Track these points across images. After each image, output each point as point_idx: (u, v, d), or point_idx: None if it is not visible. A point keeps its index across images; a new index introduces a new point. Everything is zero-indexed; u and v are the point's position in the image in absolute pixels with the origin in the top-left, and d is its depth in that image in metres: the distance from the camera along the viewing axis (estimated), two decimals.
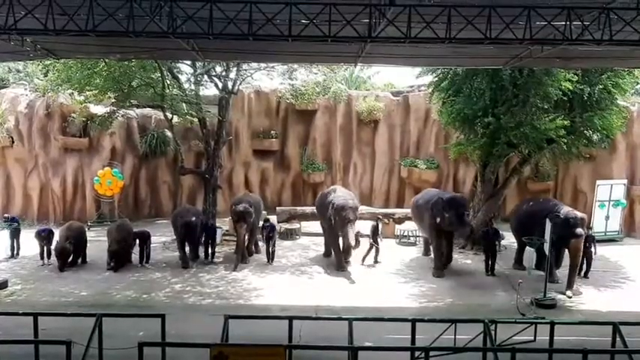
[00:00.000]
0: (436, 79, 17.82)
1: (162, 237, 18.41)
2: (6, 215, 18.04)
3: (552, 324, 9.48)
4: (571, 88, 15.27)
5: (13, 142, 21.25)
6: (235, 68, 18.54)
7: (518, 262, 16.08)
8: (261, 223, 17.12)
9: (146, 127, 22.32)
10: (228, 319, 8.99)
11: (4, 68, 24.47)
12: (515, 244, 16.45)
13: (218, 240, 17.52)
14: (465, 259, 17.07)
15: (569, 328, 10.42)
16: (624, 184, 19.99)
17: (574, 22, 9.49)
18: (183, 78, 19.19)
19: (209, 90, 20.35)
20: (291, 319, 9.59)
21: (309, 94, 20.22)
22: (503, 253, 17.05)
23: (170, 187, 22.86)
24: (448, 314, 11.57)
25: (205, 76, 19.04)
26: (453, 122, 17.52)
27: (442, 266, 15.53)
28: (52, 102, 21.13)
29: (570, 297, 13.68)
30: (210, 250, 16.60)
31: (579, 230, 13.94)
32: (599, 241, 16.94)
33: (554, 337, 9.30)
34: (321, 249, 17.46)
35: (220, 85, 18.83)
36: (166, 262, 16.37)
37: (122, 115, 20.49)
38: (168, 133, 21.04)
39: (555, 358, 8.71)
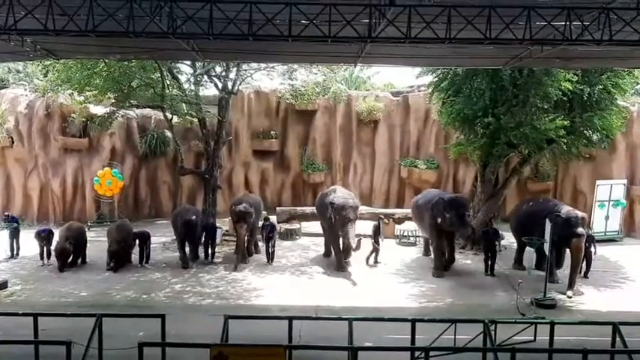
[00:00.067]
0: (436, 79, 17.82)
1: (162, 237, 18.41)
2: (6, 213, 18.02)
3: (552, 324, 9.48)
4: (571, 88, 15.28)
5: (13, 142, 21.26)
6: (235, 68, 18.55)
7: (518, 262, 16.09)
8: (260, 223, 17.12)
9: (146, 128, 22.32)
10: (228, 320, 8.99)
11: (3, 68, 24.47)
12: (515, 244, 16.45)
13: (218, 240, 17.51)
14: (465, 259, 17.07)
15: (569, 328, 10.42)
16: (624, 184, 20.00)
17: (574, 23, 9.50)
18: (183, 78, 19.21)
19: (209, 90, 20.37)
20: (291, 319, 9.58)
21: (309, 94, 20.24)
22: (503, 253, 17.06)
23: (170, 187, 22.86)
24: (448, 314, 11.56)
25: (205, 77, 19.04)
26: (453, 122, 17.52)
27: (442, 266, 15.54)
28: (52, 102, 21.13)
29: (570, 297, 13.68)
30: (210, 251, 16.59)
31: (580, 230, 13.94)
32: (599, 241, 16.95)
33: (554, 337, 9.29)
34: (321, 249, 17.46)
35: (220, 85, 18.84)
36: (166, 262, 16.36)
37: (122, 116, 20.52)
38: (168, 134, 21.05)
39: (555, 358, 8.70)
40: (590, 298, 13.75)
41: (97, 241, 17.03)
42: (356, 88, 26.15)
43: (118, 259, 15.58)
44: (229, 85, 18.79)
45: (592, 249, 15.10)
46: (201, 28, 9.59)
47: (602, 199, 19.60)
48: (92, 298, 13.32)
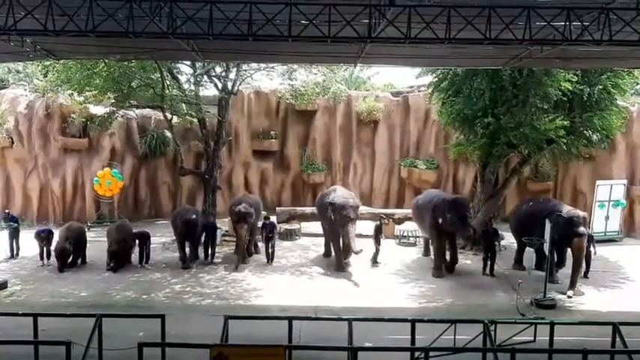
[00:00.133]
0: (436, 79, 17.82)
1: (162, 237, 18.39)
2: (7, 211, 18.02)
3: (552, 324, 9.48)
4: (571, 88, 15.28)
5: (12, 142, 21.26)
6: (235, 69, 18.56)
7: (518, 263, 16.09)
8: (260, 223, 17.11)
9: (146, 128, 22.32)
10: (228, 320, 8.99)
11: (3, 69, 24.46)
12: (515, 245, 16.45)
13: (218, 240, 17.51)
14: (465, 259, 17.05)
15: (569, 328, 10.40)
16: (624, 185, 20.00)
17: (574, 23, 9.50)
18: (182, 78, 19.23)
19: (209, 90, 20.38)
20: (290, 319, 9.59)
21: (308, 94, 20.26)
22: (502, 253, 17.07)
23: (170, 187, 22.86)
24: (448, 314, 11.57)
25: (205, 77, 19.06)
26: (453, 122, 17.52)
27: (442, 267, 15.53)
28: (52, 102, 21.14)
29: (571, 297, 13.68)
30: (210, 251, 16.59)
31: (582, 229, 13.95)
32: (599, 242, 16.96)
33: (554, 338, 9.30)
34: (321, 249, 17.46)
35: (220, 85, 18.85)
36: (166, 262, 16.36)
37: (122, 116, 20.54)
38: (168, 134, 21.04)
39: (555, 359, 8.70)
40: (590, 298, 13.75)
41: (97, 242, 17.03)
42: (356, 89, 26.14)
43: (118, 260, 15.58)
44: (229, 85, 18.80)
45: (591, 249, 15.10)
46: (201, 29, 9.59)
47: (602, 199, 19.60)
48: (92, 298, 13.32)
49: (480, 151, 17.31)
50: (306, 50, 11.99)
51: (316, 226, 18.51)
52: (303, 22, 9.77)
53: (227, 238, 18.42)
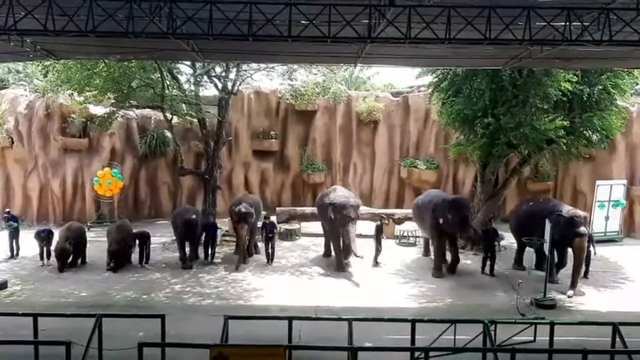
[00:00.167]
0: (436, 79, 17.82)
1: (161, 237, 18.40)
2: (7, 210, 18.01)
3: (552, 324, 9.49)
4: (570, 88, 15.28)
5: (12, 142, 21.26)
6: (235, 69, 18.57)
7: (518, 263, 16.09)
8: (260, 223, 17.11)
9: (146, 128, 22.32)
10: (228, 320, 8.99)
11: (3, 69, 24.46)
12: (515, 245, 16.45)
13: (218, 240, 17.50)
14: (465, 259, 17.04)
15: (568, 328, 10.41)
16: (624, 185, 20.00)
17: (573, 23, 9.50)
18: (182, 79, 19.24)
19: (209, 90, 20.39)
20: (290, 319, 9.59)
21: (308, 94, 20.26)
22: (502, 253, 17.08)
23: (170, 187, 22.86)
24: (448, 315, 11.57)
25: (205, 77, 19.06)
26: (453, 123, 17.52)
27: (441, 267, 15.53)
28: (52, 103, 21.14)
29: (571, 296, 13.68)
30: (210, 251, 16.59)
31: (583, 229, 13.96)
32: (599, 242, 16.96)
33: (554, 338, 9.30)
34: (321, 250, 17.46)
35: (220, 85, 18.86)
36: (166, 262, 16.36)
37: (122, 116, 20.54)
38: (168, 134, 21.04)
39: (555, 359, 8.70)
40: (590, 298, 13.74)
41: (97, 242, 17.03)
42: (356, 89, 26.15)
43: (118, 260, 15.58)
44: (229, 85, 18.80)
45: (591, 249, 15.09)
46: (201, 29, 9.59)
47: (602, 199, 19.60)
48: (92, 298, 13.32)
49: (480, 151, 17.31)
50: (306, 50, 11.99)
51: (316, 226, 18.52)
52: (303, 22, 9.77)
53: (227, 238, 18.42)
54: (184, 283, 14.55)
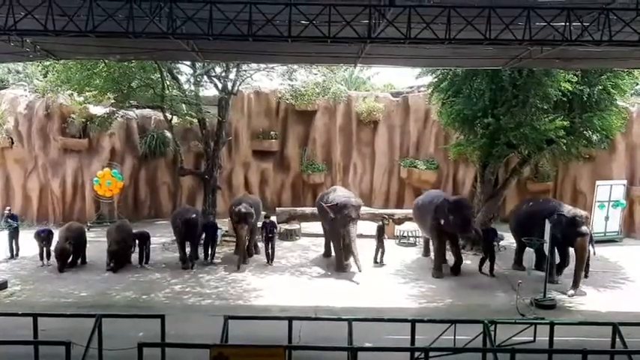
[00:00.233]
0: (436, 79, 17.82)
1: (161, 238, 18.40)
2: (8, 208, 17.99)
3: (552, 324, 9.49)
4: (570, 88, 15.28)
5: (12, 142, 21.25)
6: (235, 69, 18.58)
7: (518, 263, 16.08)
8: (260, 223, 17.11)
9: (146, 128, 22.32)
10: (228, 320, 8.99)
11: (3, 69, 24.48)
12: (515, 245, 16.45)
13: (218, 240, 17.50)
14: (465, 259, 16.95)
15: (568, 328, 10.40)
16: (624, 185, 19.99)
17: (573, 23, 9.50)
18: (182, 79, 19.26)
19: (209, 91, 20.42)
20: (290, 319, 9.59)
21: (308, 94, 20.28)
22: (502, 253, 17.08)
23: (170, 187, 22.86)
24: (448, 315, 11.58)
25: (205, 77, 19.08)
26: (453, 123, 17.52)
27: (441, 267, 15.53)
28: (52, 103, 21.14)
29: (572, 296, 13.67)
30: (210, 251, 16.59)
31: (585, 228, 13.97)
32: (599, 242, 16.93)
33: (554, 338, 9.30)
34: (321, 250, 17.46)
35: (220, 85, 18.87)
36: (166, 262, 16.36)
37: (122, 116, 20.57)
38: (168, 134, 21.05)
39: (555, 359, 8.70)
40: (590, 299, 13.74)
41: (97, 242, 17.03)
42: (356, 89, 26.16)
43: (118, 260, 15.58)
44: (229, 85, 18.81)
45: (591, 249, 15.07)
46: (201, 29, 9.59)
47: (602, 199, 19.59)
48: (92, 298, 13.32)
49: (479, 152, 17.30)
50: (306, 50, 11.99)
51: (316, 226, 18.52)
52: (303, 22, 9.77)
53: (227, 238, 18.42)
54: (184, 284, 14.55)
